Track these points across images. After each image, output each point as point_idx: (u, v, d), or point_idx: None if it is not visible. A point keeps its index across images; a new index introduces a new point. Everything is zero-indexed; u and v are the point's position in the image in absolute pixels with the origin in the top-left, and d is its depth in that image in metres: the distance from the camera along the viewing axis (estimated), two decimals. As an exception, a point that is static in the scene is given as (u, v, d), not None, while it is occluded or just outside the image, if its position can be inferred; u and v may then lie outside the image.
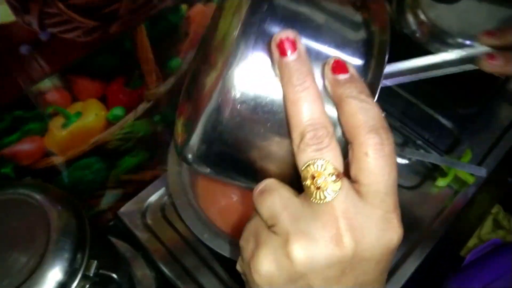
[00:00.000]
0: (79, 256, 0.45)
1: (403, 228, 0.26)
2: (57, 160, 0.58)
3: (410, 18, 0.72)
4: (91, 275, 0.46)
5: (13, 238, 0.44)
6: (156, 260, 0.58)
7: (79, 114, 0.56)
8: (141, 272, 0.66)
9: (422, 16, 0.71)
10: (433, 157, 0.62)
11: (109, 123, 0.61)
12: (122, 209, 0.62)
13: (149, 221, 0.61)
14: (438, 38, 0.68)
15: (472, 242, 0.79)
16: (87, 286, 0.47)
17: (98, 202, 0.72)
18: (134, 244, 0.66)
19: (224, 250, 0.44)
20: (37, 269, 0.42)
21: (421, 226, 0.61)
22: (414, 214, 0.62)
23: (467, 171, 0.62)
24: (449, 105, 0.73)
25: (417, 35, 0.69)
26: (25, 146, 0.53)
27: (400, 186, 0.63)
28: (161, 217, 0.62)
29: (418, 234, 0.60)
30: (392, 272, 0.56)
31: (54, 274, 0.43)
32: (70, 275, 0.44)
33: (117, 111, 0.60)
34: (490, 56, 0.38)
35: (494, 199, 0.84)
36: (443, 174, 0.64)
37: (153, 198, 0.63)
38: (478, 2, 0.72)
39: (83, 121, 0.57)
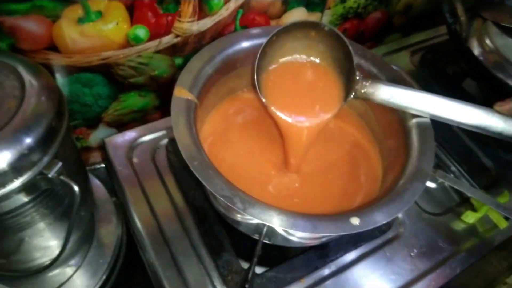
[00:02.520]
0: (43, 147, 0.38)
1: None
2: (59, 60, 0.52)
3: (475, 43, 0.66)
4: (50, 175, 0.39)
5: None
6: (130, 209, 0.50)
7: (99, 14, 0.50)
8: (107, 220, 0.58)
9: (488, 42, 0.65)
10: (466, 186, 0.54)
11: (128, 42, 0.55)
12: (109, 138, 0.54)
13: (134, 159, 0.53)
14: (502, 67, 0.61)
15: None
16: (40, 189, 0.40)
17: (87, 134, 0.65)
18: (111, 187, 0.59)
19: (214, 186, 0.35)
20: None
21: (427, 263, 0.52)
22: (426, 244, 0.53)
23: (501, 212, 0.54)
24: (492, 145, 0.65)
25: (481, 59, 0.62)
26: (30, 25, 0.47)
27: (420, 207, 0.55)
28: (150, 160, 0.54)
29: (420, 271, 0.51)
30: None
31: (6, 154, 0.35)
32: (24, 163, 0.36)
33: (140, 31, 0.54)
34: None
35: (514, 266, 0.74)
36: (473, 210, 0.56)
37: (147, 137, 0.56)
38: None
39: (101, 25, 0.51)
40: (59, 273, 0.53)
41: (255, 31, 0.49)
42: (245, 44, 0.48)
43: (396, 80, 0.49)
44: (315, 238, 0.46)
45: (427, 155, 0.42)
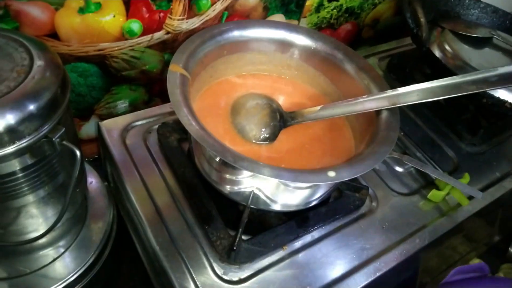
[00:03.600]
0: (48, 112, 0.41)
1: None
2: (58, 48, 0.56)
3: (436, 48, 0.74)
4: (54, 139, 0.42)
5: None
6: (125, 185, 0.53)
7: (98, 6, 0.55)
8: (99, 202, 0.61)
9: (447, 47, 0.73)
10: (430, 169, 0.60)
11: (122, 35, 0.60)
12: (103, 122, 0.58)
13: (128, 141, 0.57)
14: (461, 68, 0.69)
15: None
16: (44, 153, 0.43)
17: (79, 126, 0.68)
18: (103, 174, 0.62)
19: (208, 143, 0.39)
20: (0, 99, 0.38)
21: (398, 235, 0.56)
22: (396, 219, 0.58)
23: (462, 190, 0.60)
24: (453, 137, 0.72)
25: (443, 61, 0.70)
26: (35, 11, 0.51)
27: (389, 188, 0.60)
28: (142, 142, 0.58)
29: (392, 241, 0.55)
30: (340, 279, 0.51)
31: (15, 114, 0.39)
32: (31, 125, 0.40)
33: (134, 25, 0.59)
34: None
35: (476, 249, 0.80)
36: (437, 189, 0.61)
37: (139, 122, 0.60)
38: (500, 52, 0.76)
39: (100, 16, 0.55)
40: (50, 251, 0.55)
41: (242, 23, 0.55)
42: (232, 33, 0.53)
43: (364, 68, 0.55)
44: (297, 204, 0.50)
45: (393, 125, 0.47)
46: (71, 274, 0.54)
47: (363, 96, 0.50)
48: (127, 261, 0.67)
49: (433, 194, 0.60)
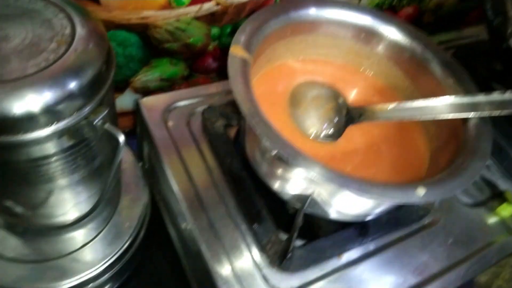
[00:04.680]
0: (91, 91, 0.36)
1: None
2: (98, 13, 0.50)
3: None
4: (95, 122, 0.37)
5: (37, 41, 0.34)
6: (165, 171, 0.48)
7: (147, -32, 0.48)
8: (133, 185, 0.55)
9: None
10: (501, 180, 0.53)
11: (169, 4, 0.53)
12: (144, 99, 0.52)
13: (169, 123, 0.51)
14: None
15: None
16: (82, 136, 0.37)
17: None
18: (138, 153, 0.57)
19: (276, 144, 0.34)
20: (38, 73, 0.33)
21: (464, 251, 0.51)
22: (461, 233, 0.52)
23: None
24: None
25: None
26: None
27: (455, 199, 0.54)
28: (185, 125, 0.52)
29: (457, 258, 0.49)
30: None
31: (50, 94, 0.33)
32: (71, 105, 0.34)
33: (184, -7, 0.52)
34: None
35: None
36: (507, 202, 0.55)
37: (182, 103, 0.54)
38: None
39: (148, -20, 0.49)
40: (82, 234, 0.50)
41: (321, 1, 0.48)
42: (306, 12, 0.46)
43: (449, 64, 0.48)
44: (358, 215, 0.44)
45: (485, 135, 0.41)
46: (105, 261, 0.50)
47: (448, 97, 0.42)
48: (156, 246, 0.63)
49: (503, 208, 0.54)
